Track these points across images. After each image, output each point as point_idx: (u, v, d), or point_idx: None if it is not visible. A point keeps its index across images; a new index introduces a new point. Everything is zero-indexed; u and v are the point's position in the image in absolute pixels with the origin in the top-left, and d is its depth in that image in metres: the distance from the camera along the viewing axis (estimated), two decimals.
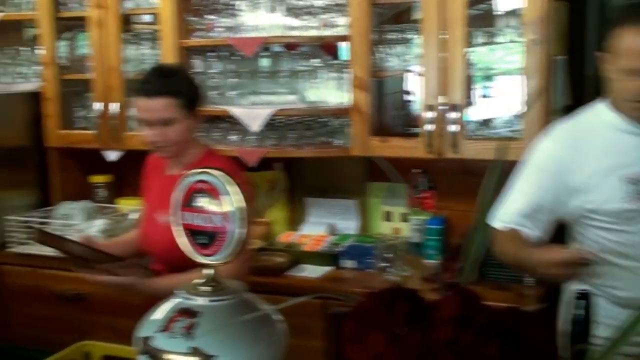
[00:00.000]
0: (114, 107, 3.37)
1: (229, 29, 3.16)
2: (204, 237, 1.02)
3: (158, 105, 2.24)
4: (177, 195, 1.04)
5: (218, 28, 3.18)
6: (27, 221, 3.40)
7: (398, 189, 3.30)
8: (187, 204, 1.03)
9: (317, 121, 3.22)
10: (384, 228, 3.35)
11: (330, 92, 3.13)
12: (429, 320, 0.90)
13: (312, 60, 3.27)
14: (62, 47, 3.58)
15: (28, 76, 3.71)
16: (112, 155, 3.44)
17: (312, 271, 3.03)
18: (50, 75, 3.51)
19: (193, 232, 1.03)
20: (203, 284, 1.04)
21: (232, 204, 0.99)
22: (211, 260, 1.03)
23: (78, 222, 3.37)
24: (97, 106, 3.41)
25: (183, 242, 1.04)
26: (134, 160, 3.31)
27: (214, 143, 3.25)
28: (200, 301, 1.02)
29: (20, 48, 3.77)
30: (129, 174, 3.48)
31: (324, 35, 3.06)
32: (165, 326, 0.99)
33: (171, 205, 1.04)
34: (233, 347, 0.98)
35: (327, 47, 3.55)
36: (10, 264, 3.40)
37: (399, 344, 0.85)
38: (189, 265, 2.04)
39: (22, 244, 3.39)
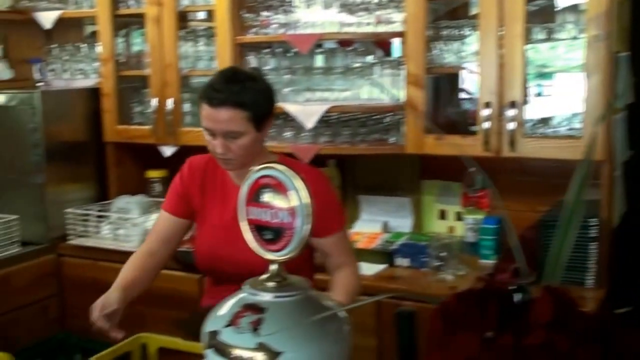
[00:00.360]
0: (170, 103, 3.41)
1: (284, 25, 3.17)
2: (269, 233, 1.02)
3: (223, 117, 2.01)
4: (243, 190, 1.04)
5: (273, 24, 3.19)
6: (85, 214, 3.48)
7: (452, 188, 3.27)
8: (253, 199, 1.03)
9: (371, 118, 3.21)
10: (437, 226, 3.32)
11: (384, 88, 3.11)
12: (521, 322, 0.88)
13: (366, 57, 3.27)
14: (120, 43, 3.64)
15: (87, 73, 3.78)
16: (167, 151, 3.49)
17: (365, 269, 3.01)
18: (109, 72, 3.58)
19: (258, 228, 1.03)
20: (268, 280, 1.04)
21: (298, 200, 0.99)
22: (277, 256, 1.03)
23: (135, 215, 3.42)
24: (154, 102, 3.46)
25: (249, 237, 1.04)
26: (189, 155, 3.35)
27: (268, 140, 3.27)
28: (266, 297, 1.02)
29: (80, 45, 3.84)
30: None
31: (379, 31, 3.04)
32: (232, 321, 0.99)
33: (239, 203, 1.04)
34: (299, 344, 0.97)
35: (380, 44, 3.54)
36: (69, 256, 3.48)
37: (491, 347, 0.83)
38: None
39: (81, 236, 3.46)
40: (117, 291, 2.15)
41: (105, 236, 3.43)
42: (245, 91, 2.02)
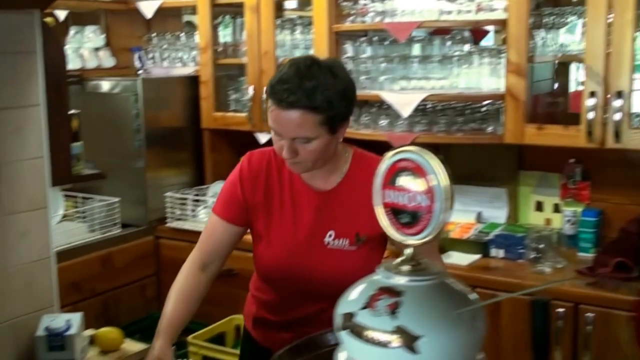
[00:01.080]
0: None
1: (381, 13, 3.16)
2: (406, 216, 1.03)
3: (292, 120, 1.73)
4: (379, 174, 1.05)
5: (370, 12, 3.19)
6: (183, 198, 3.57)
7: (551, 179, 3.21)
8: (390, 182, 1.04)
9: (468, 107, 3.18)
10: (533, 218, 3.26)
11: (483, 77, 3.07)
12: None
13: (463, 45, 3.23)
14: (218, 32, 3.71)
15: (185, 61, 3.87)
16: (263, 138, 3.54)
17: (459, 259, 2.99)
18: (207, 60, 3.65)
19: (395, 211, 1.04)
20: (403, 263, 1.05)
21: (437, 182, 0.99)
22: (414, 240, 1.03)
23: None
24: (250, 90, 3.51)
25: (384, 222, 1.05)
26: None
27: (363, 128, 3.28)
28: (401, 280, 1.03)
29: (178, 34, 3.94)
30: None
31: (479, 19, 3.00)
32: (368, 304, 1.00)
33: (374, 188, 1.05)
34: (436, 329, 0.98)
35: (476, 33, 3.49)
36: (166, 238, 3.58)
37: None
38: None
39: (179, 219, 3.56)
40: (168, 346, 1.89)
41: (201, 220, 3.51)
42: (319, 90, 1.71)
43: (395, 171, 1.03)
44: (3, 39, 1.73)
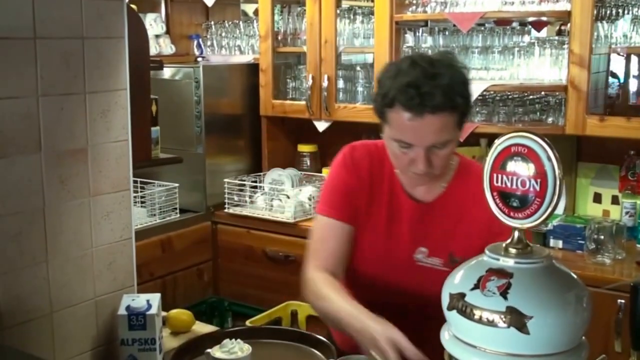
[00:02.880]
0: (325, 79, 3.48)
1: (443, 3, 3.17)
2: (516, 200, 1.05)
3: (434, 126, 1.56)
4: (490, 157, 1.08)
5: (432, 3, 3.20)
6: (241, 184, 3.63)
7: (610, 170, 3.20)
8: (500, 167, 1.06)
9: (528, 98, 3.18)
10: (591, 209, 3.25)
11: (544, 69, 3.07)
12: None
13: (524, 36, 3.23)
14: (278, 21, 3.75)
15: (244, 49, 3.92)
16: (321, 126, 3.57)
17: None
18: (266, 48, 3.70)
19: (503, 195, 1.07)
20: (511, 246, 1.08)
21: (549, 168, 1.01)
22: (522, 223, 1.06)
23: (287, 187, 3.54)
24: (310, 78, 3.54)
25: (493, 206, 1.08)
26: (339, 131, 3.43)
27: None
28: (510, 262, 1.05)
29: (237, 22, 3.99)
30: (333, 145, 3.59)
31: (543, 10, 2.99)
32: (479, 285, 1.03)
33: (485, 170, 1.07)
34: (546, 311, 1.00)
35: (535, 24, 3.48)
36: (225, 224, 3.64)
37: None
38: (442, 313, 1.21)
39: (237, 205, 3.62)
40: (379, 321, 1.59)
41: (259, 206, 3.56)
42: (455, 86, 1.57)
43: (506, 155, 1.05)
44: (93, 25, 1.78)
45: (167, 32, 4.03)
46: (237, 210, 3.60)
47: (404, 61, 1.64)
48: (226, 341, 1.79)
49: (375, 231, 1.79)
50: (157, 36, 3.94)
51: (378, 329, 1.53)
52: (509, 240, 1.09)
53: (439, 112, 1.55)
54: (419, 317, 1.65)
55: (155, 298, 1.94)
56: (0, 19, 1.59)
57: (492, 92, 3.17)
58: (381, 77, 1.67)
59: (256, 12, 3.98)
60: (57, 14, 1.70)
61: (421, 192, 1.79)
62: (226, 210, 3.62)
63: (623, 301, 2.62)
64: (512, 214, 1.06)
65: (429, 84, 1.54)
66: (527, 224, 1.05)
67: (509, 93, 3.21)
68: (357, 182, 1.80)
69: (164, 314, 2.16)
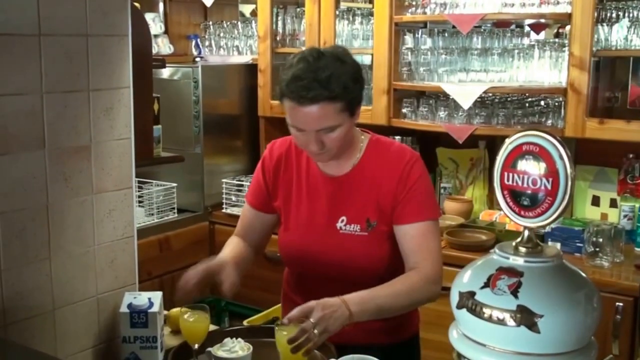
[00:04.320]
0: None
1: (442, 5, 3.18)
2: (526, 199, 1.05)
3: (315, 114, 1.75)
4: (501, 156, 1.08)
5: (431, 4, 3.20)
6: (239, 184, 3.62)
7: (608, 174, 3.20)
8: (511, 165, 1.06)
9: (527, 100, 3.19)
10: (589, 212, 3.26)
11: (543, 71, 3.08)
12: None
13: (524, 39, 3.24)
14: (276, 22, 3.74)
15: (242, 49, 3.92)
16: None
17: None
18: (265, 49, 3.69)
19: (514, 194, 1.07)
20: (521, 245, 1.08)
21: (563, 167, 1.01)
22: (532, 222, 1.06)
23: None
24: None
25: (503, 204, 1.08)
26: None
27: (421, 119, 3.31)
28: (519, 261, 1.06)
29: (235, 22, 3.99)
30: None
31: (543, 12, 3.00)
32: (489, 283, 1.03)
33: (496, 169, 1.08)
34: (556, 310, 1.00)
35: (534, 27, 3.49)
36: (223, 224, 3.64)
37: None
38: (369, 279, 1.75)
39: (235, 206, 3.62)
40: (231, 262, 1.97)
41: None
42: (334, 79, 1.74)
43: (517, 154, 1.05)
44: (97, 22, 1.78)
45: (166, 31, 4.02)
46: (234, 211, 3.59)
47: (296, 56, 1.84)
48: (227, 340, 1.80)
49: (299, 207, 2.00)
50: (155, 36, 3.93)
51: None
52: (519, 239, 1.09)
53: (318, 102, 1.74)
54: (346, 283, 1.84)
55: (157, 296, 1.94)
56: (5, 16, 1.59)
57: (491, 94, 3.17)
58: (282, 71, 1.88)
59: (253, 13, 3.98)
60: (61, 12, 1.70)
61: (333, 169, 1.97)
62: (224, 211, 3.61)
63: (622, 304, 2.63)
64: (522, 212, 1.07)
65: (310, 77, 1.73)
66: (537, 222, 1.05)
67: (508, 95, 3.22)
68: (272, 173, 2.04)
69: (165, 312, 2.16)
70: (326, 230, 1.95)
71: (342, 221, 1.93)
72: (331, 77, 1.74)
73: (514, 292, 1.01)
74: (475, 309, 1.04)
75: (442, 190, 3.57)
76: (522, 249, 1.07)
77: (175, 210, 3.58)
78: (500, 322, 1.01)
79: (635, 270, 2.78)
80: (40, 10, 1.65)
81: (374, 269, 1.92)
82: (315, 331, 1.65)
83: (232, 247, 2.09)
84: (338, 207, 1.95)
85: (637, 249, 2.99)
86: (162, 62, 2.32)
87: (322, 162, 1.94)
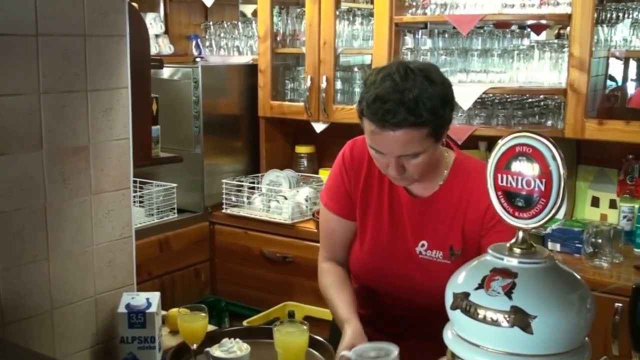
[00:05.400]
0: (324, 80, 3.49)
1: (442, 5, 3.18)
2: (521, 200, 1.05)
3: (399, 140, 1.62)
4: (494, 157, 1.08)
5: (432, 5, 3.20)
6: (239, 185, 3.63)
7: (608, 175, 3.20)
8: (505, 166, 1.07)
9: (527, 101, 3.19)
10: (589, 213, 3.26)
11: (543, 72, 3.08)
12: None
13: (524, 39, 3.24)
14: (277, 22, 3.75)
15: (242, 50, 3.92)
16: (319, 127, 3.58)
17: None
18: (265, 49, 3.69)
19: (508, 195, 1.07)
20: (515, 246, 1.08)
21: (554, 168, 1.02)
22: (526, 223, 1.06)
23: (284, 189, 3.54)
24: (308, 79, 3.55)
25: (497, 206, 1.08)
26: (336, 132, 3.43)
27: None
28: (514, 262, 1.06)
29: (236, 22, 3.99)
30: (330, 147, 3.60)
31: (543, 13, 3.00)
32: (483, 284, 1.04)
33: (489, 170, 1.08)
34: (549, 311, 1.01)
35: (535, 27, 3.49)
36: (223, 224, 3.64)
37: None
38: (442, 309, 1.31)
39: (235, 206, 3.62)
40: (354, 327, 1.75)
41: (256, 207, 3.56)
42: (422, 102, 1.58)
43: (511, 155, 1.05)
44: (95, 22, 1.78)
45: (166, 32, 4.02)
46: (234, 211, 3.60)
47: (381, 71, 1.66)
48: (225, 340, 1.80)
49: (379, 222, 1.85)
50: (156, 36, 3.94)
51: (349, 332, 1.70)
52: (513, 240, 1.09)
53: (402, 128, 1.60)
54: (426, 311, 1.70)
55: (154, 297, 1.94)
56: (3, 16, 1.59)
57: (491, 95, 3.17)
58: (364, 82, 1.72)
59: (255, 13, 3.98)
60: (59, 12, 1.70)
61: (418, 188, 1.83)
62: (224, 211, 3.61)
63: (621, 305, 2.62)
64: (516, 214, 1.07)
65: (396, 99, 1.58)
66: (532, 224, 1.05)
67: (508, 96, 3.22)
68: (354, 179, 1.87)
69: (163, 313, 2.16)
70: (404, 253, 1.82)
71: (423, 246, 1.81)
72: (419, 100, 1.58)
73: (508, 293, 1.02)
74: (470, 310, 1.04)
75: None
76: (517, 250, 1.07)
77: (175, 211, 3.58)
78: (494, 323, 1.02)
79: (635, 271, 2.78)
80: (37, 10, 1.65)
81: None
82: None
83: (341, 288, 1.87)
84: (419, 230, 1.82)
85: (636, 249, 2.98)
86: (160, 62, 2.32)
87: (403, 186, 1.81)
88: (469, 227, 1.76)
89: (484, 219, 1.72)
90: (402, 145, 1.63)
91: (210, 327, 2.20)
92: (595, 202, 3.26)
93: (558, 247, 3.00)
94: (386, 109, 1.58)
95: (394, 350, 1.50)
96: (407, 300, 1.83)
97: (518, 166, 1.05)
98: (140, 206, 3.55)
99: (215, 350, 1.76)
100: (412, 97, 1.57)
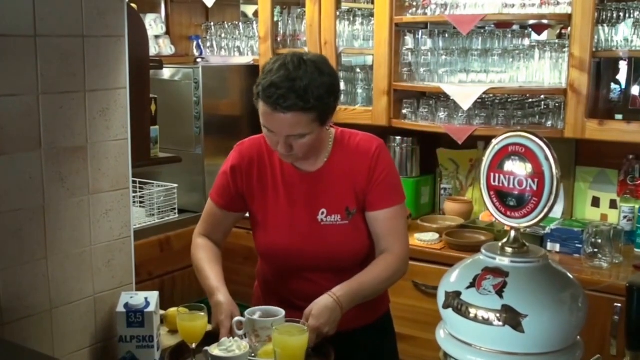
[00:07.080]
0: None
1: (443, 5, 3.18)
2: (513, 199, 1.06)
3: (287, 121, 1.81)
4: (487, 157, 1.08)
5: (432, 5, 3.20)
6: None
7: (608, 175, 3.20)
8: (497, 166, 1.07)
9: (528, 101, 3.19)
10: (589, 213, 3.26)
11: (543, 72, 3.08)
12: None
13: (524, 39, 3.24)
14: (278, 22, 3.75)
15: (243, 50, 3.93)
16: None
17: None
18: (266, 49, 3.70)
19: (500, 194, 1.08)
20: (507, 245, 1.08)
21: (548, 168, 1.02)
22: (519, 223, 1.06)
23: None
24: None
25: (489, 205, 1.08)
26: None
27: (421, 119, 3.31)
28: (505, 261, 1.06)
29: (237, 23, 3.99)
30: None
31: (544, 13, 3.00)
32: (474, 283, 1.04)
33: (482, 170, 1.08)
34: (541, 310, 1.01)
35: (536, 27, 3.49)
36: None
37: None
38: (351, 265, 1.94)
39: None
40: (231, 299, 2.01)
41: None
42: (310, 90, 1.78)
43: (504, 155, 1.06)
44: (94, 23, 1.79)
45: (167, 32, 4.03)
46: None
47: (278, 60, 1.86)
48: (224, 339, 1.80)
49: (277, 206, 2.04)
50: (156, 37, 3.95)
51: (221, 300, 1.96)
52: (505, 240, 1.09)
53: (291, 111, 1.79)
54: (330, 272, 1.99)
55: (153, 296, 1.94)
56: (1, 17, 1.59)
57: (491, 95, 3.18)
58: (262, 69, 1.90)
59: (256, 14, 3.99)
60: (58, 12, 1.71)
61: (307, 165, 2.03)
62: None
63: (620, 305, 2.63)
64: (509, 213, 1.07)
65: (287, 86, 1.78)
66: (524, 223, 1.06)
67: (508, 96, 3.22)
68: (242, 176, 2.07)
69: (162, 312, 2.16)
70: (308, 224, 2.00)
71: (323, 213, 2.00)
72: (308, 88, 1.78)
73: (499, 292, 1.02)
74: (461, 309, 1.05)
75: (442, 191, 3.57)
76: (509, 250, 1.08)
77: (176, 211, 3.58)
78: (486, 321, 1.02)
79: (633, 271, 2.78)
80: (36, 11, 1.66)
81: (357, 255, 2.02)
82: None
83: (214, 262, 2.14)
84: (317, 201, 2.01)
85: (636, 250, 2.98)
86: (159, 63, 2.33)
87: (290, 162, 2.01)
88: (358, 188, 1.99)
89: (367, 179, 1.98)
90: (291, 126, 1.82)
91: (209, 327, 2.21)
92: (595, 203, 3.26)
93: (557, 247, 3.00)
94: (279, 94, 1.78)
95: (282, 312, 1.82)
96: (316, 266, 2.02)
97: (510, 166, 1.06)
98: (141, 206, 3.56)
99: (214, 349, 1.77)
100: (302, 85, 1.78)
